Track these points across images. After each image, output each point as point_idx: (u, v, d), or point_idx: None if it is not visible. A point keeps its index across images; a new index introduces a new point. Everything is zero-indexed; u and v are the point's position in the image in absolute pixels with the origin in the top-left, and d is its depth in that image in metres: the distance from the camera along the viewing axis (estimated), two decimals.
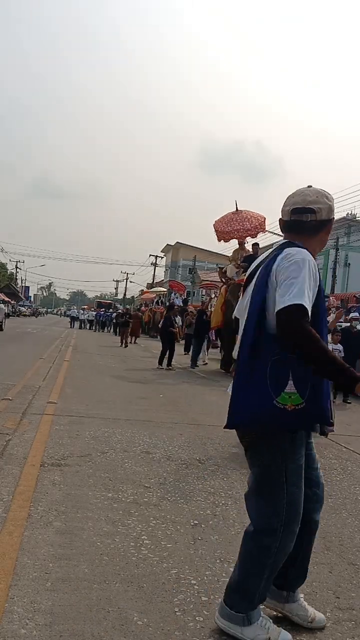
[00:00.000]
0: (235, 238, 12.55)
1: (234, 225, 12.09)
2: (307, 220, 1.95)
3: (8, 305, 39.20)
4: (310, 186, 2.03)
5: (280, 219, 2.06)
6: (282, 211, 2.04)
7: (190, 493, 3.56)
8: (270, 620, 2.02)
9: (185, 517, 3.12)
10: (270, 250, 2.04)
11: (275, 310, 1.76)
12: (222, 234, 12.30)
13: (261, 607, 2.03)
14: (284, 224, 2.05)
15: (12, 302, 49.75)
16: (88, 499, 3.25)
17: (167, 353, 12.51)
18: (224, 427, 1.96)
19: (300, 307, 1.72)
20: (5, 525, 2.73)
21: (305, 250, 1.88)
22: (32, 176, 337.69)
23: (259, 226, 12.32)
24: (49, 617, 1.98)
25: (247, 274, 2.15)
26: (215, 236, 12.58)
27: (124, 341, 20.16)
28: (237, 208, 12.57)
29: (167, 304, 16.09)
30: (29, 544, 2.56)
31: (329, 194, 2.01)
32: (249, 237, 12.84)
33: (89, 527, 2.84)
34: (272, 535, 1.91)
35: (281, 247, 1.94)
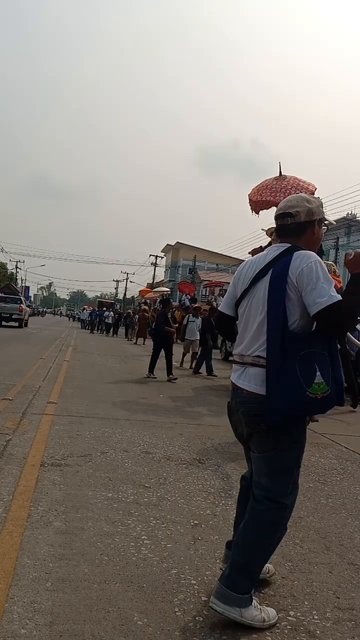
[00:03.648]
0: (268, 208, 9.69)
1: (266, 196, 9.31)
2: (287, 224, 2.18)
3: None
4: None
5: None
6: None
7: (190, 493, 3.56)
8: (258, 600, 2.17)
9: (185, 517, 3.12)
10: (266, 253, 2.20)
11: (319, 309, 1.94)
12: (258, 205, 9.55)
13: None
14: (275, 230, 2.30)
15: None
16: (88, 499, 3.25)
17: (165, 359, 10.41)
18: (265, 424, 2.05)
19: (341, 303, 1.95)
20: (5, 525, 2.73)
21: (309, 251, 2.07)
22: (32, 176, 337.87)
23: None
24: (49, 617, 1.98)
25: (237, 273, 2.31)
26: (250, 207, 9.83)
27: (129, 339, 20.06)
28: (280, 172, 9.59)
29: (163, 299, 14.05)
30: (29, 544, 2.56)
31: (313, 198, 2.20)
32: None
33: (89, 527, 2.84)
34: (283, 512, 2.15)
35: (289, 251, 2.10)
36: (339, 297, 1.95)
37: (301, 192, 9.57)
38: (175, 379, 10.18)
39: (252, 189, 9.76)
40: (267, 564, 2.37)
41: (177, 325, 12.22)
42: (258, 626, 2.04)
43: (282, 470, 2.14)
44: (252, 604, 2.08)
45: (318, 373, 1.96)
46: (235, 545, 2.16)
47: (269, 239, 9.87)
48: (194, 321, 13.27)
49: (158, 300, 36.25)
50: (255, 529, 2.13)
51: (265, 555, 2.17)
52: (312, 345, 2.00)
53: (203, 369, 11.84)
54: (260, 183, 9.64)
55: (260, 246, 10.45)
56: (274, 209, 9.99)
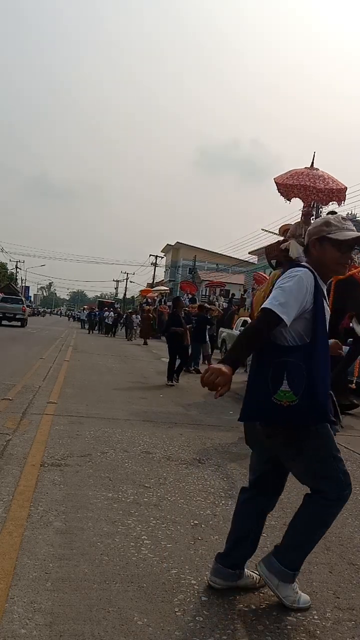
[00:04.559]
0: (299, 197, 8.98)
1: (302, 180, 8.63)
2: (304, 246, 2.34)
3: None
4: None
5: None
6: None
7: (190, 493, 3.56)
8: (298, 585, 2.28)
9: (185, 517, 3.12)
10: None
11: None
12: (284, 187, 8.88)
13: (216, 585, 2.31)
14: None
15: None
16: (88, 499, 3.25)
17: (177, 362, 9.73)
18: (239, 420, 2.24)
19: (269, 311, 2.05)
20: (5, 525, 2.73)
21: (298, 268, 2.16)
22: (32, 176, 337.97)
23: (337, 192, 8.69)
24: (49, 617, 1.99)
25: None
26: (279, 192, 9.09)
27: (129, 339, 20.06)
28: (312, 163, 9.07)
29: (174, 298, 12.79)
30: (29, 544, 2.56)
31: (321, 220, 2.24)
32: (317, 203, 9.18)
33: (89, 527, 2.84)
34: (339, 502, 2.19)
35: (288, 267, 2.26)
36: (269, 305, 2.06)
37: (333, 184, 8.80)
38: (173, 385, 9.56)
39: (281, 175, 9.10)
40: (253, 573, 2.40)
41: (190, 325, 10.74)
42: (287, 605, 2.21)
43: (321, 468, 2.23)
44: (292, 585, 2.23)
45: (285, 381, 2.05)
46: (294, 527, 2.25)
47: (279, 238, 9.58)
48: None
49: (158, 300, 36.27)
50: (316, 517, 2.23)
51: (315, 541, 2.25)
52: (289, 355, 2.08)
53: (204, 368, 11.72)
54: (291, 170, 9.04)
55: (278, 242, 9.55)
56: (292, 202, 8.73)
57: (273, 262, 9.56)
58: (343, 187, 8.73)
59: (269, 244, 10.41)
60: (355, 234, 2.17)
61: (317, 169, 8.91)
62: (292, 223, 9.40)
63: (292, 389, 2.04)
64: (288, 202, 8.99)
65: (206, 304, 16.87)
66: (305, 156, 9.30)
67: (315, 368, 2.07)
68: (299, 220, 9.16)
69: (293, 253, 8.29)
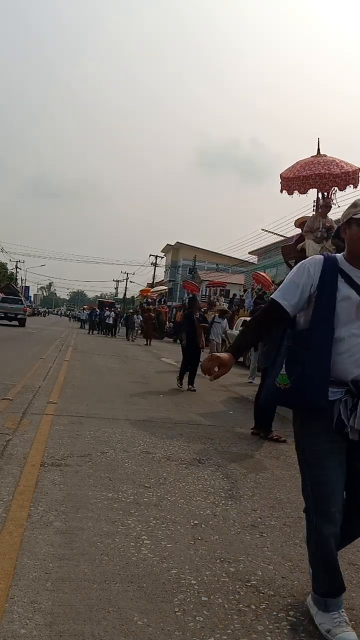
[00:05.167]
0: (316, 187, 8.31)
1: (317, 169, 8.01)
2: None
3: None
4: None
5: None
6: None
7: (190, 493, 3.56)
8: (346, 620, 2.06)
9: (185, 517, 3.12)
10: None
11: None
12: (297, 180, 8.25)
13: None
14: None
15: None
16: (88, 499, 3.25)
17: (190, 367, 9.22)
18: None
19: (270, 299, 2.19)
20: (5, 525, 2.73)
21: (315, 256, 2.19)
22: (32, 176, 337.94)
23: (352, 174, 8.03)
24: (49, 617, 1.98)
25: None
26: (280, 187, 8.61)
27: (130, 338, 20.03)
28: (319, 150, 8.53)
29: (189, 298, 11.90)
30: (29, 544, 2.56)
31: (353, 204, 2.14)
32: (335, 189, 8.29)
33: (89, 527, 2.84)
34: (307, 516, 2.13)
35: None
36: (270, 300, 2.18)
37: (348, 167, 8.25)
38: (195, 390, 9.04)
39: (287, 169, 8.68)
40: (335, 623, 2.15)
41: (206, 324, 10.09)
42: (323, 633, 2.04)
43: (300, 469, 2.21)
44: (331, 615, 2.06)
45: (284, 365, 2.11)
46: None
47: (279, 238, 9.31)
48: (219, 322, 12.68)
49: (157, 300, 36.28)
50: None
51: (310, 557, 2.19)
52: (291, 340, 2.16)
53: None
54: (296, 162, 8.64)
55: (295, 242, 9.24)
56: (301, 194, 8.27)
57: (291, 262, 9.07)
58: (357, 168, 8.24)
59: (285, 244, 9.92)
60: None
61: (324, 155, 8.49)
62: (309, 216, 8.96)
63: (287, 372, 2.09)
64: (300, 195, 8.50)
65: (225, 307, 16.57)
66: (305, 156, 9.02)
67: (307, 353, 2.05)
68: (315, 213, 8.65)
69: (310, 253, 7.77)
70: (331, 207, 8.34)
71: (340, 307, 2.04)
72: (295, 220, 9.80)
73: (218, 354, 2.10)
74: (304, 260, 2.16)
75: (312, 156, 8.56)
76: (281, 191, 8.64)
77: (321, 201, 8.39)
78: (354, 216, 2.07)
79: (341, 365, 2.03)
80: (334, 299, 2.05)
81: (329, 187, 8.20)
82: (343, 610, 2.09)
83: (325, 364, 2.02)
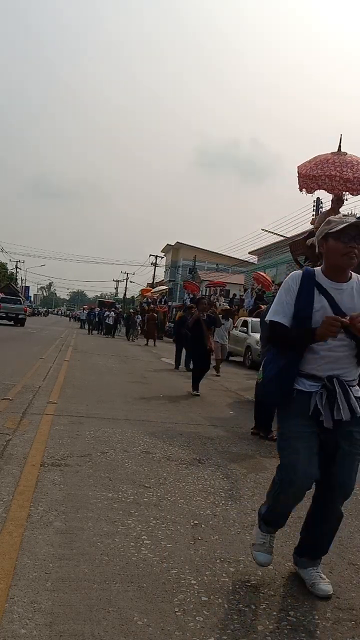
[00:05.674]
0: (324, 189, 8.05)
1: (328, 169, 7.69)
2: None
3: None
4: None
5: None
6: None
7: (190, 493, 3.56)
8: (272, 545, 2.52)
9: (185, 517, 3.12)
10: None
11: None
12: (307, 180, 7.97)
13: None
14: None
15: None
16: (88, 499, 3.25)
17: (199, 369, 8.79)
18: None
19: (270, 322, 2.40)
20: (5, 525, 2.73)
21: (294, 272, 2.42)
22: (32, 176, 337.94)
23: None
24: (49, 617, 1.98)
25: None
26: (297, 183, 8.21)
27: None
28: (340, 147, 8.12)
29: (195, 298, 11.46)
30: (29, 544, 2.56)
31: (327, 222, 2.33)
32: (347, 193, 7.94)
33: (89, 527, 2.84)
34: (274, 483, 2.44)
35: None
36: (270, 323, 2.39)
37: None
38: (199, 394, 8.59)
39: (304, 163, 8.21)
40: (314, 576, 2.49)
41: (213, 326, 9.81)
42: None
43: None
44: (261, 532, 2.55)
45: (263, 362, 2.47)
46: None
47: (278, 237, 9.23)
48: (223, 323, 12.22)
49: (157, 300, 36.26)
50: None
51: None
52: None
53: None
54: (315, 157, 8.16)
55: (304, 238, 8.80)
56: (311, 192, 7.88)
57: (300, 259, 8.89)
58: None
59: (294, 240, 9.58)
60: (351, 219, 2.22)
61: (344, 154, 7.94)
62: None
63: (264, 369, 2.43)
64: (309, 194, 8.18)
65: (227, 306, 16.48)
66: (306, 156, 8.88)
67: (275, 355, 2.40)
68: (327, 209, 8.34)
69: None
70: (344, 201, 8.02)
71: (316, 317, 2.24)
72: (313, 219, 9.48)
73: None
74: (286, 278, 2.40)
75: (331, 152, 8.07)
76: (300, 189, 8.16)
77: (335, 196, 8.04)
78: (329, 231, 2.25)
79: (317, 366, 2.30)
80: (310, 309, 2.27)
81: (337, 191, 7.82)
82: (273, 536, 2.53)
83: (286, 368, 2.32)
